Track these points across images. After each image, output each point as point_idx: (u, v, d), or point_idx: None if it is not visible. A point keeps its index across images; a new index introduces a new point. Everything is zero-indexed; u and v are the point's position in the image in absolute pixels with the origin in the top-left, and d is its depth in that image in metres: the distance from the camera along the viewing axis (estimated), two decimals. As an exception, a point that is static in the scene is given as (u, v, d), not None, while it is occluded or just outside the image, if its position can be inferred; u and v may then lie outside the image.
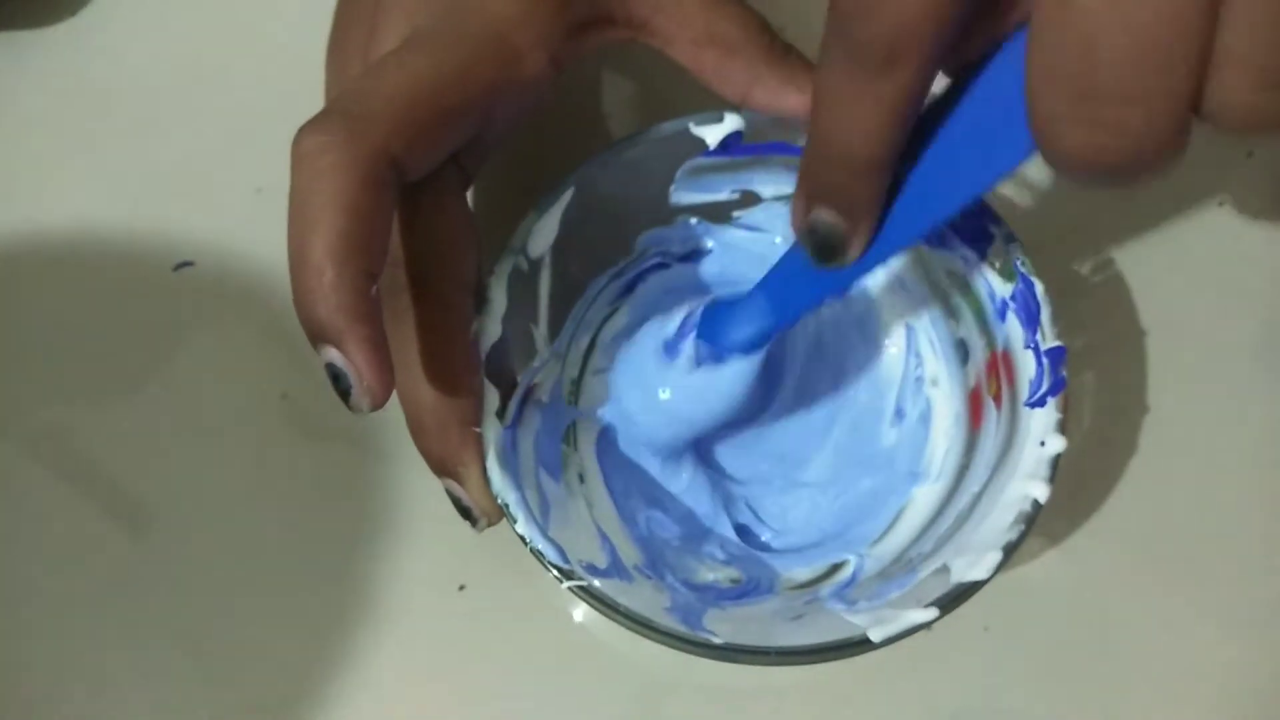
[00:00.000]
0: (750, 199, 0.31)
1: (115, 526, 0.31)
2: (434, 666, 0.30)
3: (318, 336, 0.23)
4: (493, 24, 0.25)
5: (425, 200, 0.26)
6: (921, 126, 0.21)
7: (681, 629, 0.25)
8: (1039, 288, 0.27)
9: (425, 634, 0.30)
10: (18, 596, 0.31)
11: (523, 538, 0.26)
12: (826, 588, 0.29)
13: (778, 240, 0.32)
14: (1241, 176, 0.34)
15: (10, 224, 0.34)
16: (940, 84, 0.20)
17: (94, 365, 0.33)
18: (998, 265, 0.28)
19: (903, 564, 0.28)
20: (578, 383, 0.32)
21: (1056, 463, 0.26)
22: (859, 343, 0.32)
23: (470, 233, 0.27)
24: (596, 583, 0.25)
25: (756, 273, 0.32)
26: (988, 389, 0.29)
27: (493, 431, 0.26)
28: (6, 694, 0.30)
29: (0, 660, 0.30)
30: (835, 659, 0.25)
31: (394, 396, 0.24)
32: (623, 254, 0.32)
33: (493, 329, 0.27)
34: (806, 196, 0.22)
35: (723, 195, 0.31)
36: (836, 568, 0.30)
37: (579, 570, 0.25)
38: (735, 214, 0.32)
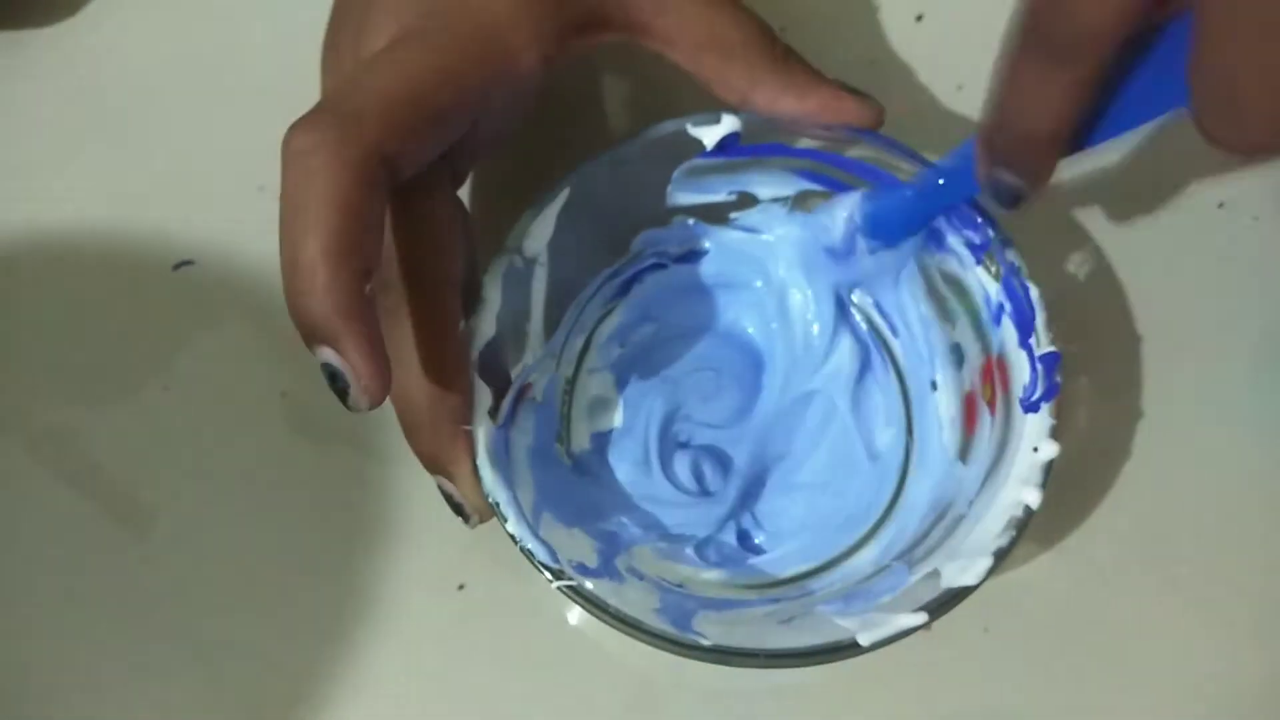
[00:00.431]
0: (747, 200, 0.31)
1: (114, 526, 0.31)
2: (432, 666, 0.30)
3: (312, 337, 0.23)
4: (485, 22, 0.25)
5: (416, 198, 0.26)
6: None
7: (671, 631, 0.25)
8: (1034, 292, 0.27)
9: (424, 633, 0.30)
10: (16, 597, 0.31)
11: (513, 537, 0.26)
12: (817, 588, 0.29)
13: (768, 238, 0.32)
14: (1241, 180, 0.34)
15: (10, 223, 0.34)
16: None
17: (94, 365, 0.33)
18: (993, 270, 0.28)
19: (893, 567, 0.28)
20: (572, 382, 0.32)
21: (1049, 468, 0.26)
22: (855, 343, 0.32)
23: (460, 231, 0.27)
24: (587, 583, 0.25)
25: (754, 274, 0.32)
26: (982, 393, 0.29)
27: (485, 430, 0.26)
28: (6, 695, 0.30)
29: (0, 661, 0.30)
30: (825, 662, 0.25)
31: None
32: (619, 254, 0.32)
33: (487, 328, 0.27)
34: (989, 158, 0.24)
35: (720, 196, 0.31)
36: (827, 568, 0.29)
37: (569, 570, 0.25)
38: (732, 215, 0.32)
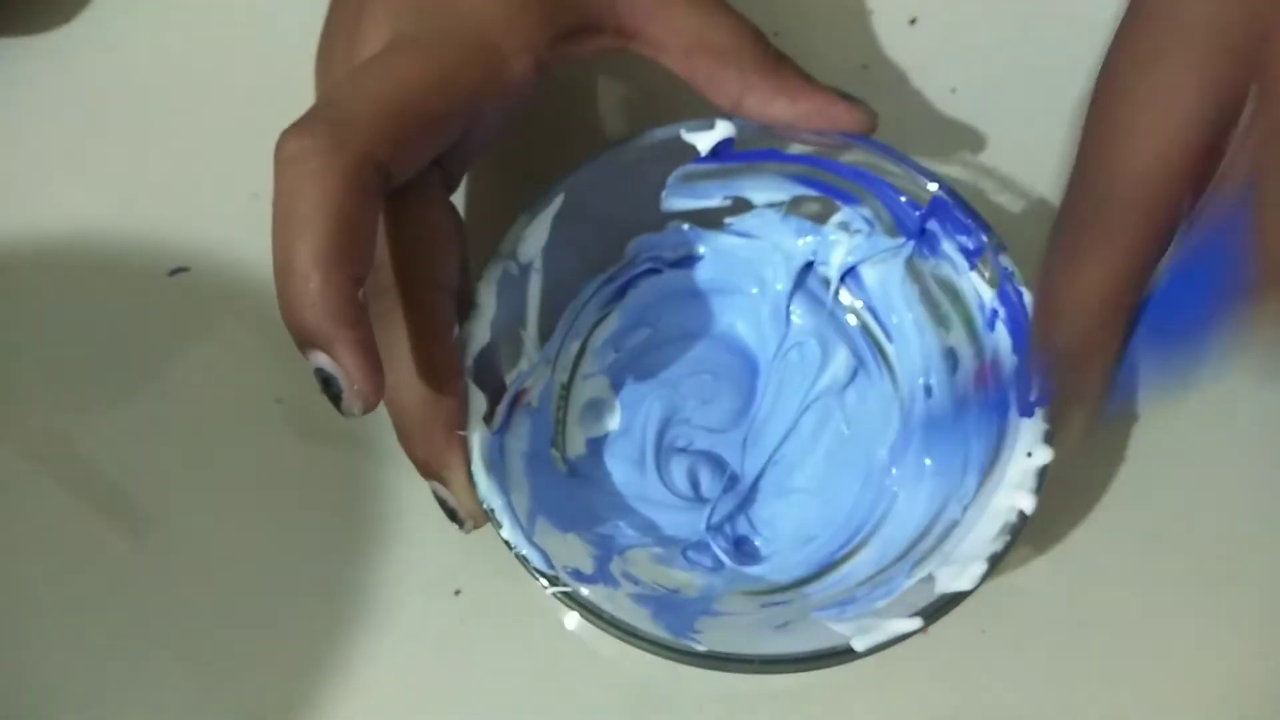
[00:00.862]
0: (742, 205, 0.31)
1: (109, 532, 0.31)
2: (429, 671, 0.30)
3: (306, 342, 0.23)
4: (477, 28, 0.25)
5: (408, 204, 0.26)
6: None
7: (666, 636, 0.25)
8: (1028, 297, 0.27)
9: (420, 638, 0.30)
10: (12, 602, 0.31)
11: (508, 543, 0.26)
12: (812, 593, 0.29)
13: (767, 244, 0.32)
14: None
15: (4, 229, 0.34)
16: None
17: (89, 371, 0.33)
18: (987, 275, 0.28)
19: (888, 572, 0.28)
20: (568, 388, 0.32)
21: (1043, 474, 0.26)
22: (849, 349, 0.32)
23: (453, 236, 0.27)
24: (582, 589, 0.25)
25: (747, 279, 0.32)
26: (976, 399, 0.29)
27: (480, 436, 0.26)
28: (3, 699, 0.30)
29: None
30: (820, 668, 0.25)
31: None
32: (614, 259, 0.32)
33: (481, 334, 0.27)
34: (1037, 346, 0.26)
35: (714, 201, 0.31)
36: (822, 573, 0.29)
37: (564, 576, 0.25)
38: (727, 220, 0.32)
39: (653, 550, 0.30)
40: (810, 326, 0.32)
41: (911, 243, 0.30)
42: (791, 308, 0.32)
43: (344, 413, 0.23)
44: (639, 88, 0.34)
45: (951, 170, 0.33)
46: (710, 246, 0.32)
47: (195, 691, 0.30)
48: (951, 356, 0.30)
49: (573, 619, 0.30)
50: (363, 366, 0.23)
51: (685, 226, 0.32)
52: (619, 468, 0.31)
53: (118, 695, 0.30)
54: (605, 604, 0.25)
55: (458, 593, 0.31)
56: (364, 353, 0.23)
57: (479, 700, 0.30)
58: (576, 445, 0.31)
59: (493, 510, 0.26)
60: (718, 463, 0.31)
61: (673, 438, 0.32)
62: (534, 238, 0.28)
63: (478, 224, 0.32)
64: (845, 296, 0.32)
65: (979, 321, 0.29)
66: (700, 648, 0.25)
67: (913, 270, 0.30)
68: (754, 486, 0.31)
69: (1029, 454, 0.26)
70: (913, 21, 0.35)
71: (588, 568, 0.27)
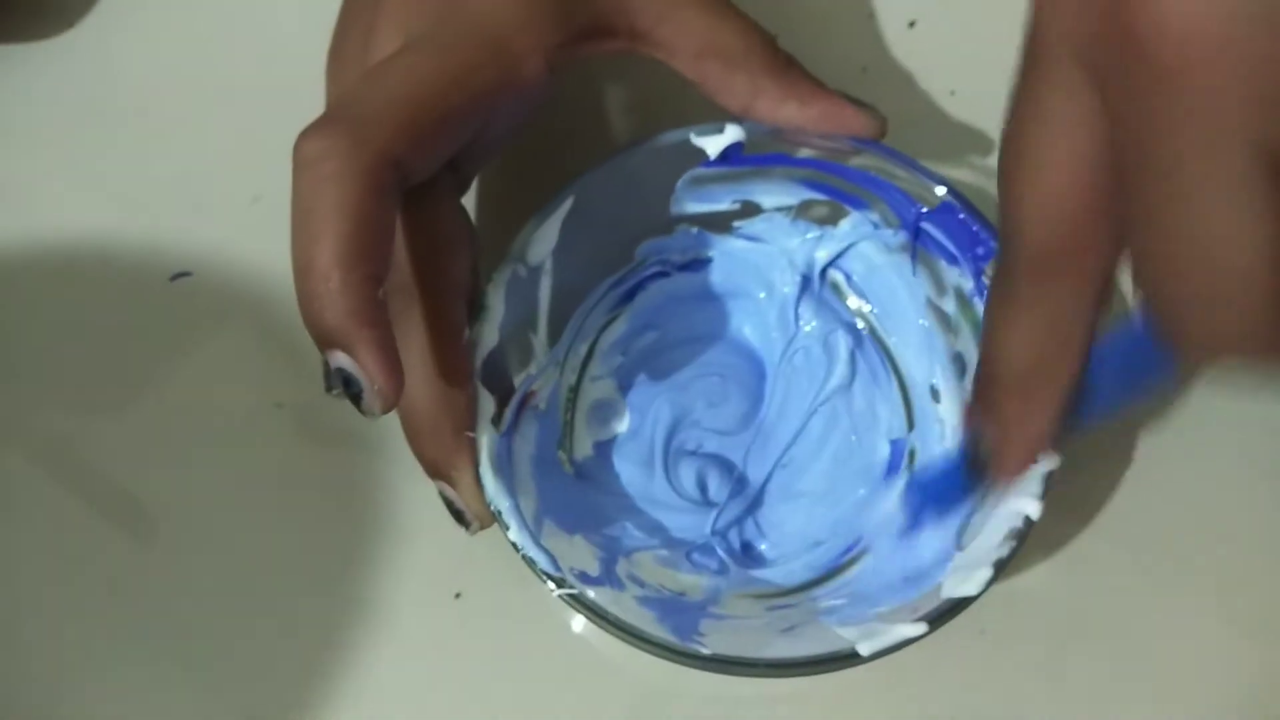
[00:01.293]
0: (751, 209, 0.31)
1: (110, 535, 0.31)
2: (429, 674, 0.30)
3: (326, 342, 0.23)
4: (491, 28, 0.26)
5: (421, 205, 0.26)
6: None
7: (672, 639, 0.25)
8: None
9: (421, 642, 0.30)
10: (13, 605, 0.31)
11: (515, 545, 0.26)
12: (817, 596, 0.29)
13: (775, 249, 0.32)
14: None
15: (8, 234, 0.34)
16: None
17: (91, 376, 0.33)
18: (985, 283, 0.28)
19: (894, 577, 0.28)
20: (575, 390, 0.32)
21: (1049, 479, 0.26)
22: (858, 352, 0.32)
23: (465, 237, 0.27)
24: (588, 591, 0.25)
25: (757, 283, 0.32)
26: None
27: (488, 438, 0.26)
28: (4, 702, 0.30)
29: (-1, 668, 0.30)
30: (825, 672, 0.25)
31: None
32: (623, 262, 0.32)
33: (490, 336, 0.27)
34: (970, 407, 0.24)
35: (723, 205, 0.31)
36: (828, 576, 0.30)
37: (570, 578, 0.25)
38: (735, 224, 0.32)
39: (659, 553, 0.30)
40: (818, 330, 0.32)
41: (918, 246, 0.30)
42: (799, 312, 0.32)
43: (364, 412, 0.23)
44: (648, 91, 0.34)
45: (953, 172, 0.33)
46: (719, 250, 0.32)
47: (196, 695, 0.30)
48: (959, 361, 0.30)
49: (580, 622, 0.30)
50: (383, 365, 0.23)
51: (694, 230, 0.32)
52: (627, 469, 0.31)
53: (118, 698, 0.30)
54: (611, 606, 0.25)
55: (458, 596, 0.31)
56: (384, 352, 0.23)
57: (480, 704, 0.30)
58: (584, 447, 0.31)
59: (500, 512, 0.26)
60: (726, 466, 0.31)
61: (682, 440, 0.32)
62: (543, 240, 0.29)
63: (488, 227, 0.32)
64: (853, 301, 0.32)
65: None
66: (705, 651, 0.25)
67: (920, 275, 0.30)
68: (761, 489, 0.31)
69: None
70: (912, 24, 0.35)
71: (594, 570, 0.27)
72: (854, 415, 0.32)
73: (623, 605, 0.26)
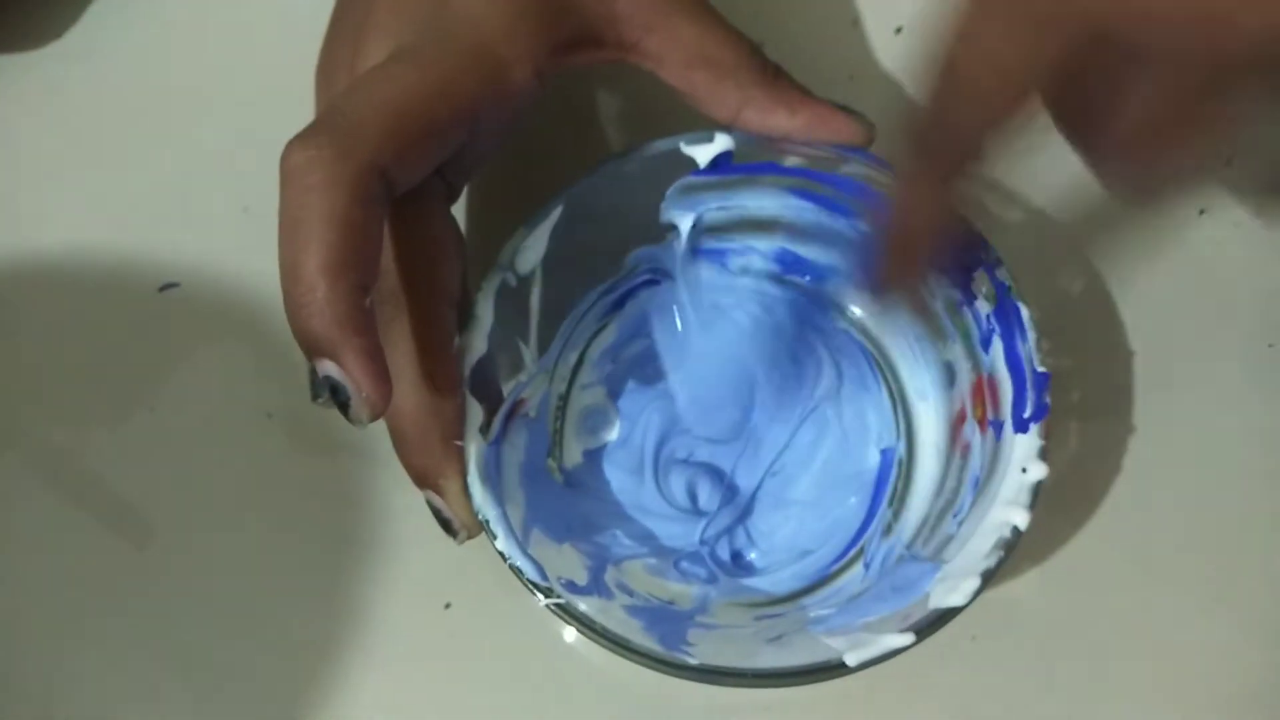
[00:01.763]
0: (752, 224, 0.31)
1: (102, 546, 0.31)
2: (420, 685, 0.30)
3: (314, 350, 0.23)
4: (479, 39, 0.26)
5: (409, 213, 0.26)
6: None
7: (659, 649, 0.25)
8: (1025, 313, 0.27)
9: (411, 652, 0.30)
10: (8, 612, 0.31)
11: (502, 554, 0.26)
12: (806, 605, 0.29)
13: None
14: (1221, 184, 0.34)
15: (-5, 246, 0.34)
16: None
17: (80, 387, 0.33)
18: (985, 290, 0.28)
19: (882, 586, 0.28)
20: (565, 398, 0.32)
21: (1038, 490, 0.26)
22: (844, 360, 0.32)
23: (454, 245, 0.27)
24: (575, 601, 0.25)
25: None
26: (973, 412, 0.29)
27: (476, 447, 0.26)
28: (3, 706, 0.30)
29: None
30: (812, 682, 0.25)
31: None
32: (612, 270, 0.32)
33: (479, 345, 0.27)
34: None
35: (712, 213, 0.31)
36: (816, 586, 0.29)
37: (557, 587, 0.25)
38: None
39: (648, 561, 0.30)
40: (807, 338, 0.32)
41: None
42: (788, 318, 0.32)
43: (352, 420, 0.23)
44: (638, 100, 0.34)
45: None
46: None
47: (187, 704, 0.30)
48: (949, 370, 0.30)
49: (571, 632, 0.30)
50: (371, 374, 0.23)
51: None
52: (617, 476, 0.31)
53: (109, 706, 0.30)
54: (598, 616, 0.25)
55: (448, 606, 0.31)
56: (372, 360, 0.23)
57: (470, 714, 0.30)
58: (573, 456, 0.31)
59: (488, 521, 0.26)
60: (716, 475, 0.31)
61: (672, 449, 0.32)
62: (533, 249, 0.29)
63: (477, 235, 0.32)
64: (841, 309, 0.32)
65: (976, 336, 0.29)
66: (692, 661, 0.25)
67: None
68: (752, 498, 0.31)
69: (1024, 470, 0.26)
70: (898, 31, 0.35)
71: (582, 579, 0.27)
72: (844, 424, 0.32)
73: (610, 614, 0.26)
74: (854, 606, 0.28)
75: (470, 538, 0.27)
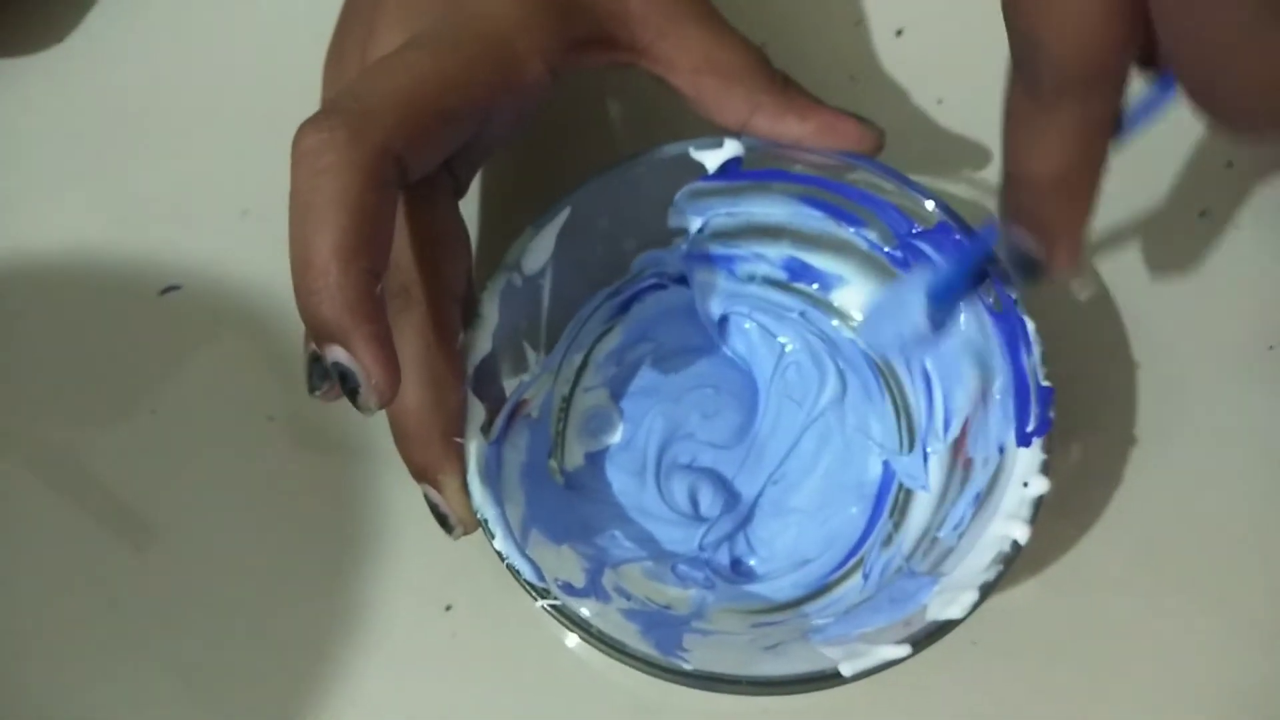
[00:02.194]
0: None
1: (103, 547, 0.31)
2: (420, 687, 0.30)
3: (324, 336, 0.23)
4: (493, 31, 0.26)
5: (417, 206, 0.26)
6: None
7: (654, 654, 0.25)
8: (1030, 326, 0.27)
9: (411, 654, 0.30)
10: (7, 614, 0.31)
11: (499, 554, 0.26)
12: (804, 614, 0.29)
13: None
14: (1222, 187, 0.34)
15: (-3, 249, 0.34)
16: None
17: (81, 389, 0.33)
18: (990, 302, 0.28)
19: (880, 597, 0.28)
20: (568, 400, 0.32)
21: (1039, 504, 0.26)
22: (851, 370, 0.32)
23: (460, 240, 0.27)
24: (574, 604, 0.25)
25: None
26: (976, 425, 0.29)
27: (477, 446, 0.26)
28: (2, 708, 0.30)
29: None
30: (807, 691, 0.25)
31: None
32: (619, 274, 0.32)
33: (483, 344, 0.27)
34: (1003, 216, 0.22)
35: (720, 219, 0.31)
36: (815, 595, 0.29)
37: (555, 589, 0.25)
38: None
39: (646, 564, 0.30)
40: (810, 345, 0.32)
41: (913, 264, 0.30)
42: (793, 325, 0.32)
43: (360, 408, 0.23)
44: (648, 103, 0.34)
45: (942, 182, 0.33)
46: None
47: (187, 705, 0.30)
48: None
49: (572, 636, 0.30)
50: (381, 361, 0.23)
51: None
52: (619, 478, 0.31)
53: (109, 706, 0.30)
54: (594, 619, 0.25)
55: (449, 608, 0.31)
56: (381, 347, 0.23)
57: (470, 717, 0.30)
58: (575, 458, 0.31)
59: (486, 521, 0.26)
60: (718, 480, 0.31)
61: (675, 453, 0.32)
62: (539, 250, 0.29)
63: (485, 235, 0.32)
64: (847, 318, 0.32)
65: (981, 348, 0.29)
66: (688, 666, 0.25)
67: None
68: (753, 505, 0.31)
69: (1025, 484, 0.26)
70: (899, 33, 0.35)
71: (579, 581, 0.27)
72: (847, 432, 0.32)
73: (607, 618, 0.26)
74: (851, 617, 0.27)
75: (466, 533, 0.26)
